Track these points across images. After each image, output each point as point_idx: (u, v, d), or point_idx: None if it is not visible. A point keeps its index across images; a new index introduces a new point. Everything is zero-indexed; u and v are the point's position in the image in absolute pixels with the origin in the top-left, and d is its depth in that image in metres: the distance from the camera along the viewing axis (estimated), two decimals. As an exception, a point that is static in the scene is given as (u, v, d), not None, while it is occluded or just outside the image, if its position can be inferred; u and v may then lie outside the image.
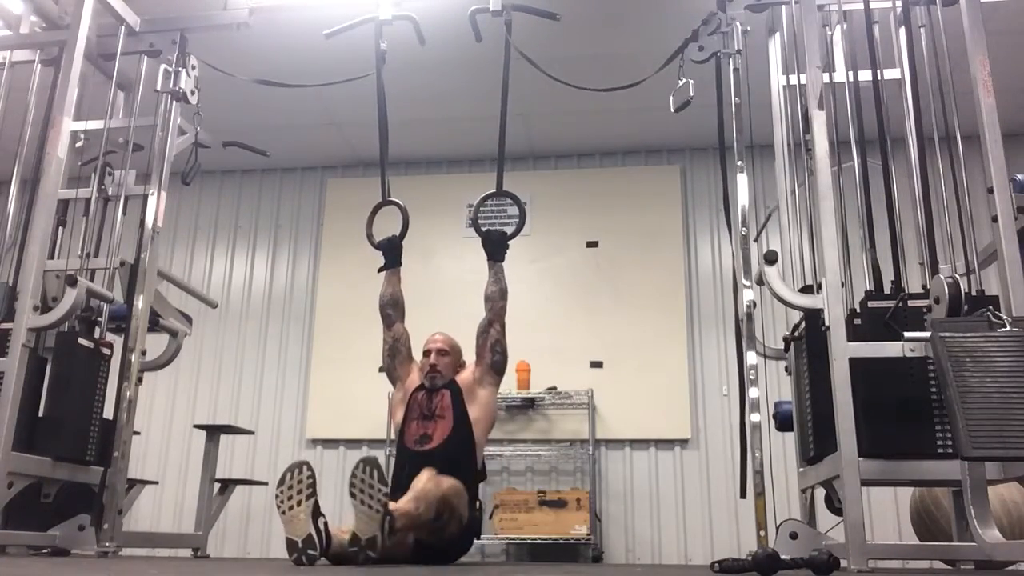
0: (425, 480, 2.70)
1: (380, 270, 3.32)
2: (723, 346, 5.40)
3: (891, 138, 3.03)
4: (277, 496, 2.49)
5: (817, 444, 2.83)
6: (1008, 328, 2.34)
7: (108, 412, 3.33)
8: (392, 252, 3.31)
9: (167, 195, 3.60)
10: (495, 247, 3.27)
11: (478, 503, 3.07)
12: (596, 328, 5.52)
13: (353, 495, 2.47)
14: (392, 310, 3.26)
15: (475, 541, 3.09)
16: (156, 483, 4.86)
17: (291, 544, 2.46)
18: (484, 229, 3.30)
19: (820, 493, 3.00)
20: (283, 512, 2.48)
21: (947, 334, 2.31)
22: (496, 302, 3.19)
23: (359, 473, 2.46)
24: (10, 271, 3.40)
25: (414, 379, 3.22)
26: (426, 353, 3.20)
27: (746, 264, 2.93)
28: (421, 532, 2.67)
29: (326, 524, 2.52)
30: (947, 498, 3.41)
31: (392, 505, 2.50)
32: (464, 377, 3.19)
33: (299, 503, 2.46)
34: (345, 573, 2.19)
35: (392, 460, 5.30)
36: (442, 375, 3.16)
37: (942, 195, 2.95)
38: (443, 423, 3.05)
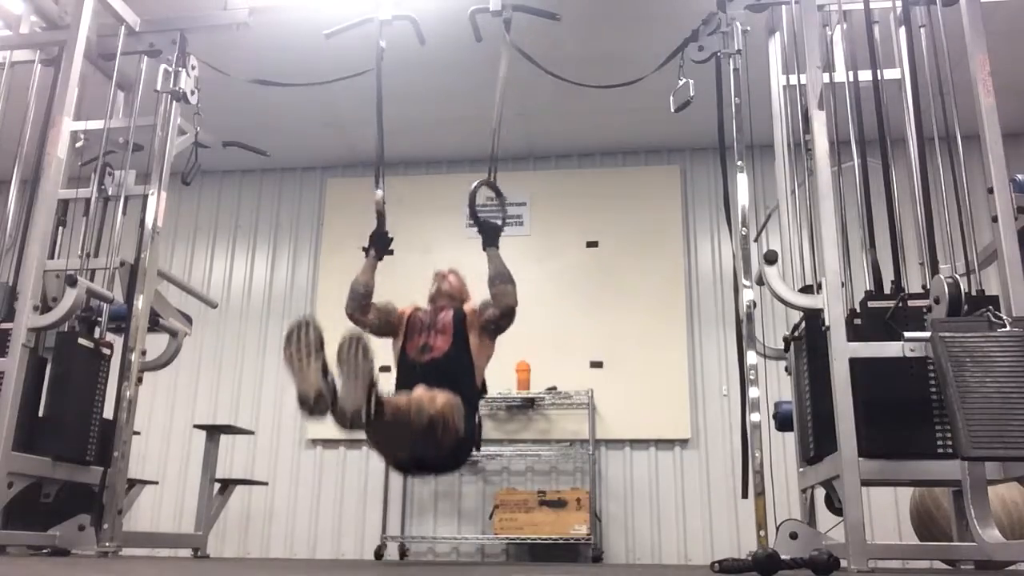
0: (419, 391, 2.65)
1: (371, 255, 3.19)
2: (723, 346, 5.39)
3: (891, 138, 3.03)
4: (285, 352, 2.47)
5: (817, 444, 2.83)
6: (1008, 328, 2.34)
7: (108, 412, 3.33)
8: (387, 245, 3.26)
9: (167, 195, 3.61)
10: (486, 233, 3.18)
11: (477, 416, 3.01)
12: (596, 328, 5.51)
13: (340, 366, 2.47)
14: (365, 300, 3.13)
15: (473, 453, 3.02)
16: (156, 483, 4.86)
17: (303, 397, 2.43)
18: (480, 219, 3.21)
19: (820, 493, 3.00)
20: (293, 368, 2.47)
21: (947, 334, 2.31)
22: (495, 286, 3.05)
23: (345, 347, 2.52)
24: (10, 271, 3.40)
25: (408, 310, 3.17)
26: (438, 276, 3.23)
27: (746, 264, 2.93)
28: (415, 437, 2.57)
29: (334, 381, 2.52)
30: (947, 498, 3.41)
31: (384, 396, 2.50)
32: (468, 309, 3.12)
33: (309, 357, 2.46)
34: (350, 572, 2.19)
35: (392, 460, 5.31)
36: (451, 284, 3.17)
37: (942, 195, 2.95)
38: (444, 337, 3.01)
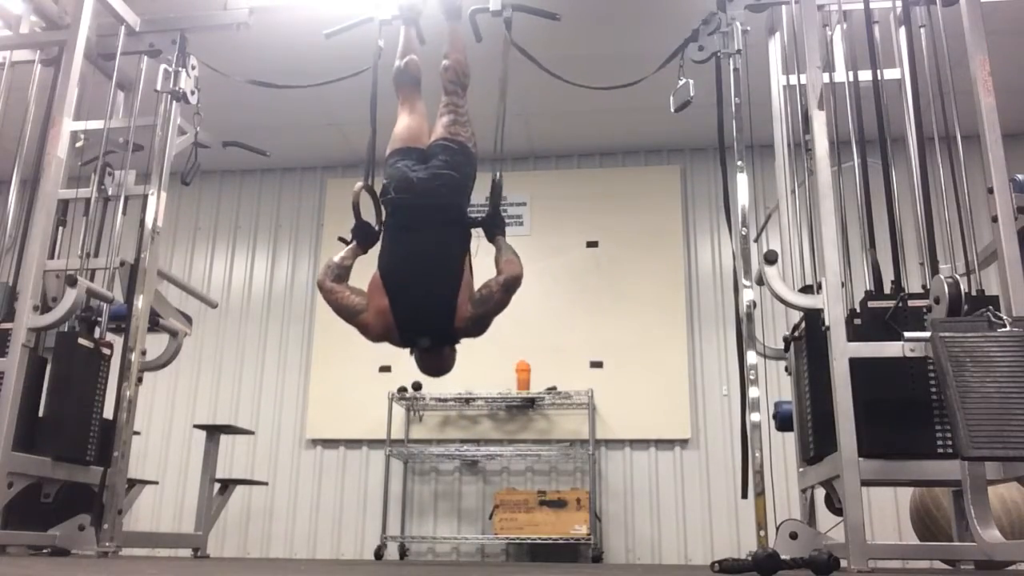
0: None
1: (357, 246, 2.97)
2: (723, 346, 5.40)
3: (891, 138, 3.03)
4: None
5: (817, 444, 2.83)
6: (1008, 328, 2.34)
7: (108, 412, 3.33)
8: (371, 238, 2.99)
9: (167, 195, 3.61)
10: (488, 224, 3.02)
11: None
12: (596, 328, 5.51)
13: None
14: (341, 271, 2.89)
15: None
16: (156, 483, 4.87)
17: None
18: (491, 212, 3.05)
19: (820, 493, 3.00)
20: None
21: (947, 334, 2.31)
22: (505, 255, 2.83)
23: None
24: (10, 271, 3.40)
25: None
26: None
27: (746, 264, 2.93)
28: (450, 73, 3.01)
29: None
30: (947, 498, 3.41)
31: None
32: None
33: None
34: (350, 572, 2.19)
35: (390, 460, 5.32)
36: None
37: (942, 195, 2.95)
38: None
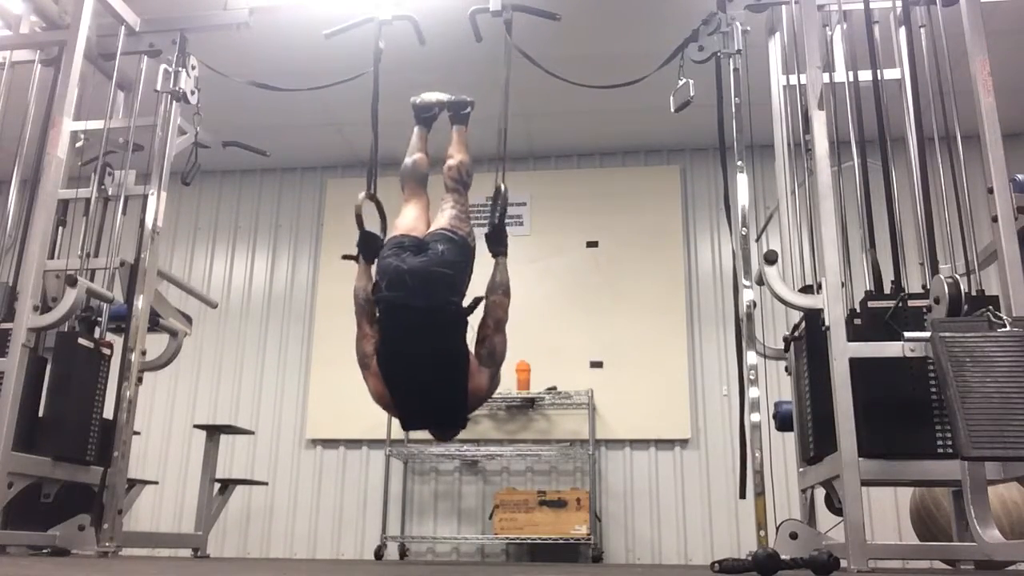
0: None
1: (361, 260, 3.03)
2: (723, 346, 5.40)
3: (891, 138, 3.03)
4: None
5: (817, 444, 2.83)
6: (1008, 328, 2.34)
7: (108, 412, 3.33)
8: (375, 248, 3.03)
9: (167, 195, 3.61)
10: (501, 241, 3.08)
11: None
12: (596, 328, 5.52)
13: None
14: (368, 306, 2.94)
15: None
16: (156, 483, 4.87)
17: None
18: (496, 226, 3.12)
19: (820, 493, 3.00)
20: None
21: (947, 334, 2.31)
22: (495, 294, 2.90)
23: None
24: (10, 271, 3.40)
25: None
26: None
27: (746, 264, 2.93)
28: (454, 172, 3.09)
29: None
30: (947, 498, 3.41)
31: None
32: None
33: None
34: (350, 572, 2.19)
35: (390, 460, 5.33)
36: None
37: (942, 195, 2.96)
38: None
